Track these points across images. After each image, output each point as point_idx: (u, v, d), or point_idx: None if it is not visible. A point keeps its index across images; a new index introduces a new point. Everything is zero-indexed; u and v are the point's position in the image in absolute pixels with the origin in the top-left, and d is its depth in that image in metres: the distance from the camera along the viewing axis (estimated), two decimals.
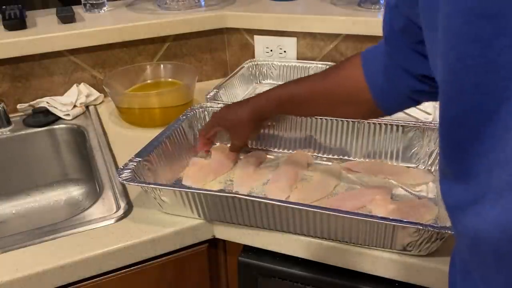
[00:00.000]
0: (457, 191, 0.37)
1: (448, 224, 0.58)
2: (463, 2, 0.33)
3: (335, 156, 0.86)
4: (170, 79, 1.11)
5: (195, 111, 0.89)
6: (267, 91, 0.76)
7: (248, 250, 0.71)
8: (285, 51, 1.19)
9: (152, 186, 0.67)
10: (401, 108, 0.65)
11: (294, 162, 0.83)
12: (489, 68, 0.32)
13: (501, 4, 0.30)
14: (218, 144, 0.90)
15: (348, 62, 0.66)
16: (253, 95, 1.12)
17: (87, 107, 1.08)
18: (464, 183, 0.36)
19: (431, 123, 0.81)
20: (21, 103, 1.05)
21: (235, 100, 1.06)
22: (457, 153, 0.37)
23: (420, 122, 0.82)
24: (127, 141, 0.93)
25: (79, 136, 1.00)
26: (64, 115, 1.03)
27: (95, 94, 1.10)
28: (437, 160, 0.79)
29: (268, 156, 0.87)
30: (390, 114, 0.66)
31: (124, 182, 0.67)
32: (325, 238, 0.64)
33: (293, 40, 1.17)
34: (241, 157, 0.86)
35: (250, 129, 0.79)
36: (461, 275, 0.44)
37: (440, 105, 0.38)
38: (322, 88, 0.68)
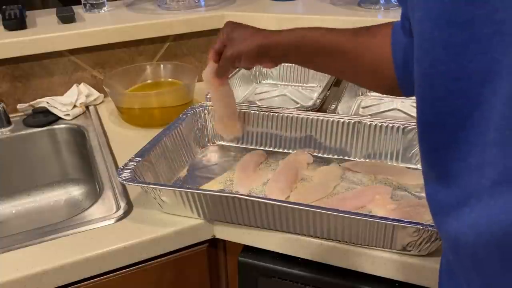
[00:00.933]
0: (440, 194, 0.37)
1: None
2: (435, 8, 0.33)
3: (335, 156, 0.86)
4: (170, 79, 1.11)
5: (195, 110, 0.89)
6: (290, 29, 0.67)
7: (248, 250, 0.71)
8: None
9: (152, 186, 0.67)
10: None
11: (294, 162, 0.83)
12: (461, 74, 0.32)
13: (471, 11, 0.30)
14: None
15: (380, 29, 0.63)
16: (254, 95, 1.14)
17: (87, 107, 1.08)
18: (445, 186, 0.36)
19: None
20: (21, 103, 1.05)
21: (236, 100, 1.06)
22: (437, 157, 0.37)
23: None
24: (127, 141, 0.93)
25: (79, 136, 1.00)
26: (64, 115, 1.03)
27: (95, 94, 1.10)
28: None
29: (268, 156, 0.87)
30: (407, 95, 0.63)
31: (124, 182, 0.67)
32: (325, 238, 0.64)
33: None
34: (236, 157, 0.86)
35: (251, 58, 0.69)
36: (446, 275, 0.44)
37: (416, 109, 0.38)
38: (351, 47, 0.64)
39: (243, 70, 1.14)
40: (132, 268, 0.69)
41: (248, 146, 0.90)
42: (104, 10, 1.21)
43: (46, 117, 1.02)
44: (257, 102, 1.09)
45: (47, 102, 1.04)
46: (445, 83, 0.33)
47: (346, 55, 0.64)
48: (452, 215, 0.35)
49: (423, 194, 0.74)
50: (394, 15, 1.08)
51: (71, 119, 1.03)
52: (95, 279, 0.67)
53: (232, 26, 0.71)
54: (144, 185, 0.68)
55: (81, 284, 0.66)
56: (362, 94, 1.09)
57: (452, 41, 0.32)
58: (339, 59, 0.65)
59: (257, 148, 0.90)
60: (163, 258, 0.70)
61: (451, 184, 0.35)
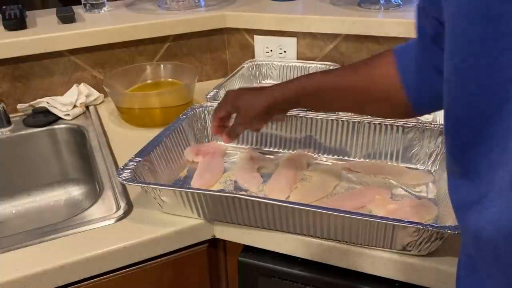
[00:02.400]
0: (462, 189, 0.38)
1: (448, 224, 0.58)
2: (467, 4, 0.33)
3: (335, 156, 0.86)
4: (170, 79, 1.11)
5: (195, 110, 0.89)
6: (288, 81, 0.70)
7: (248, 250, 0.71)
8: (285, 51, 1.19)
9: (152, 186, 0.67)
10: (435, 109, 0.63)
11: (294, 162, 0.83)
12: (492, 69, 0.32)
13: (503, 6, 0.31)
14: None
15: (380, 59, 0.63)
16: None
17: (87, 107, 1.08)
18: (468, 181, 0.36)
19: (431, 123, 0.81)
20: (21, 103, 1.05)
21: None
22: (461, 152, 0.37)
23: (420, 122, 0.82)
24: (127, 141, 0.93)
25: (79, 136, 1.00)
26: (64, 115, 1.03)
27: (95, 94, 1.10)
28: (436, 161, 0.79)
29: (268, 156, 0.87)
30: (421, 114, 0.63)
31: (124, 182, 0.67)
32: (325, 238, 0.64)
33: (293, 40, 1.17)
34: (235, 157, 0.86)
35: (261, 119, 0.72)
36: (465, 271, 0.44)
37: (444, 105, 0.38)
38: (353, 84, 0.64)
39: (243, 70, 1.14)
40: (132, 268, 0.69)
41: (248, 146, 0.90)
42: (104, 10, 1.21)
43: (46, 117, 1.02)
44: None
45: (47, 102, 1.04)
46: (475, 78, 0.34)
47: (351, 92, 0.65)
48: (473, 210, 0.35)
49: (423, 194, 0.74)
50: (394, 15, 1.08)
51: (71, 119, 1.03)
52: (95, 279, 0.67)
53: (234, 94, 0.73)
54: (144, 185, 0.68)
55: (81, 284, 0.66)
56: None
57: (483, 36, 0.32)
58: (345, 98, 0.66)
59: (257, 148, 0.90)
60: (163, 258, 0.70)
61: (474, 179, 0.36)
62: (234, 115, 0.73)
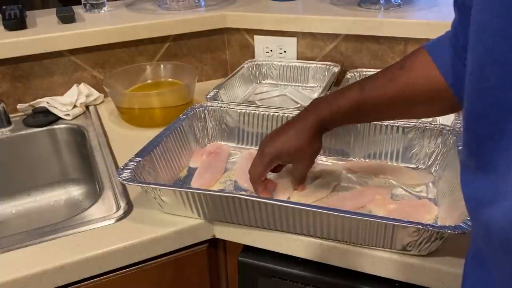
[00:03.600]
0: (476, 183, 0.38)
1: (448, 224, 0.58)
2: None
3: (335, 156, 0.86)
4: (170, 79, 1.11)
5: (195, 110, 0.89)
6: (319, 103, 0.68)
7: (248, 250, 0.71)
8: (285, 51, 1.19)
9: (152, 186, 0.67)
10: None
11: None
12: None
13: None
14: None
15: (415, 61, 0.62)
16: (254, 95, 1.14)
17: (87, 107, 1.08)
18: (483, 175, 0.37)
19: (431, 124, 0.81)
20: (21, 103, 1.05)
21: (236, 101, 1.06)
22: (478, 146, 0.37)
23: (420, 122, 0.82)
24: (127, 141, 0.93)
25: (79, 136, 1.00)
26: (64, 115, 1.03)
27: (95, 94, 1.10)
28: (436, 161, 0.79)
29: None
30: None
31: (124, 182, 0.67)
32: (325, 238, 0.64)
33: (293, 40, 1.17)
34: (236, 157, 0.86)
35: (315, 151, 0.70)
36: (472, 263, 0.44)
37: (464, 98, 0.39)
38: (394, 92, 0.62)
39: (243, 70, 1.14)
40: (132, 268, 0.69)
41: (248, 146, 0.90)
42: (104, 10, 1.21)
43: (46, 117, 1.02)
44: (257, 102, 1.09)
45: (47, 102, 1.04)
46: (497, 72, 0.34)
47: (393, 103, 0.63)
48: (487, 203, 0.35)
49: (423, 194, 0.74)
50: (394, 15, 1.08)
51: (71, 119, 1.03)
52: (95, 279, 0.67)
53: (270, 151, 0.69)
54: (144, 185, 0.68)
55: (81, 284, 0.66)
56: None
57: (507, 29, 0.32)
58: (388, 109, 0.65)
59: (257, 148, 0.89)
60: (163, 258, 0.70)
61: (488, 173, 0.36)
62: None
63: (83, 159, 1.00)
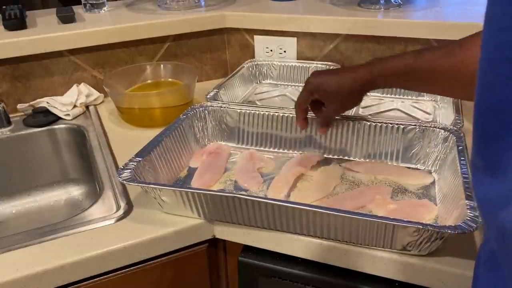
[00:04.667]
0: (487, 184, 0.37)
1: (448, 224, 0.58)
2: None
3: (335, 156, 0.86)
4: (170, 79, 1.11)
5: (195, 110, 0.89)
6: (375, 61, 0.71)
7: (248, 250, 0.71)
8: (285, 51, 1.19)
9: (152, 186, 0.67)
10: None
11: (301, 162, 0.82)
12: None
13: None
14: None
15: (474, 41, 0.62)
16: (254, 95, 1.14)
17: (87, 107, 1.08)
18: (493, 176, 0.36)
19: (431, 123, 0.81)
20: (21, 103, 1.05)
21: (236, 101, 1.06)
22: (488, 145, 0.37)
23: (420, 122, 0.82)
24: (127, 141, 0.93)
25: (79, 136, 1.00)
26: (64, 115, 1.03)
27: (95, 94, 1.10)
28: (437, 161, 0.79)
29: (268, 156, 0.87)
30: None
31: (124, 182, 0.67)
32: (325, 238, 0.64)
33: (293, 40, 1.17)
34: (236, 157, 0.86)
35: (351, 101, 0.74)
36: (485, 266, 0.44)
37: (475, 93, 0.38)
38: (447, 67, 0.64)
39: (243, 70, 1.14)
40: (132, 268, 0.69)
41: (248, 146, 0.90)
42: (104, 10, 1.21)
43: (46, 117, 1.02)
44: (257, 102, 1.09)
45: (47, 102, 1.04)
46: (508, 68, 0.33)
47: (445, 76, 0.64)
48: (500, 205, 0.35)
49: (423, 194, 0.74)
50: (394, 15, 1.08)
51: (71, 119, 1.03)
52: (95, 279, 0.67)
53: (317, 81, 0.74)
54: (144, 185, 0.68)
55: (81, 284, 0.66)
56: None
57: None
58: (437, 81, 0.66)
59: (257, 148, 0.90)
60: (163, 258, 0.70)
61: (499, 174, 0.35)
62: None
63: (83, 159, 1.00)
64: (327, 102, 0.75)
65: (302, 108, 0.78)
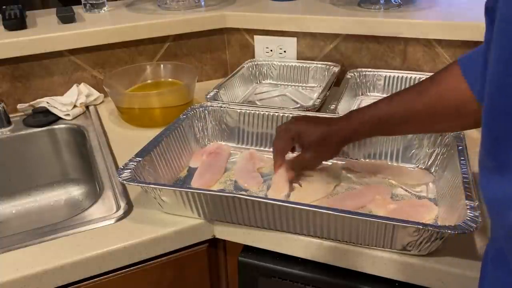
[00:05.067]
0: (496, 183, 0.38)
1: (448, 224, 0.58)
2: None
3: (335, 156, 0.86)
4: (170, 79, 1.11)
5: (195, 110, 0.89)
6: (353, 113, 0.71)
7: (248, 250, 0.71)
8: (285, 51, 1.19)
9: (152, 186, 0.67)
10: None
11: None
12: None
13: None
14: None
15: (446, 73, 0.62)
16: (254, 95, 1.14)
17: (87, 107, 1.08)
18: (501, 176, 0.37)
19: None
20: (21, 103, 1.05)
21: (236, 101, 1.06)
22: (495, 145, 0.37)
23: None
24: (127, 141, 0.93)
25: (79, 136, 1.00)
26: (64, 115, 1.03)
27: (95, 94, 1.10)
28: (436, 161, 0.79)
29: (268, 156, 0.87)
30: None
31: (124, 182, 0.67)
32: (325, 238, 0.64)
33: (293, 40, 1.17)
34: (236, 157, 0.86)
35: (334, 153, 0.74)
36: (493, 264, 0.44)
37: (485, 96, 0.38)
38: (422, 105, 0.63)
39: (243, 70, 1.14)
40: (132, 268, 0.69)
41: (248, 146, 0.90)
42: (104, 10, 1.21)
43: (46, 117, 1.02)
44: (257, 102, 1.09)
45: (47, 102, 1.04)
46: None
47: (420, 116, 0.64)
48: (507, 204, 0.35)
49: (423, 194, 0.74)
50: (394, 15, 1.08)
51: (71, 119, 1.03)
52: (95, 279, 0.67)
53: (296, 128, 0.73)
54: (144, 185, 0.68)
55: (81, 284, 0.66)
56: (362, 94, 1.09)
57: None
58: (414, 122, 0.66)
59: (257, 148, 0.90)
60: (163, 258, 0.70)
61: (506, 174, 0.36)
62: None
63: (83, 159, 1.00)
64: (305, 150, 0.74)
65: (283, 155, 0.76)
